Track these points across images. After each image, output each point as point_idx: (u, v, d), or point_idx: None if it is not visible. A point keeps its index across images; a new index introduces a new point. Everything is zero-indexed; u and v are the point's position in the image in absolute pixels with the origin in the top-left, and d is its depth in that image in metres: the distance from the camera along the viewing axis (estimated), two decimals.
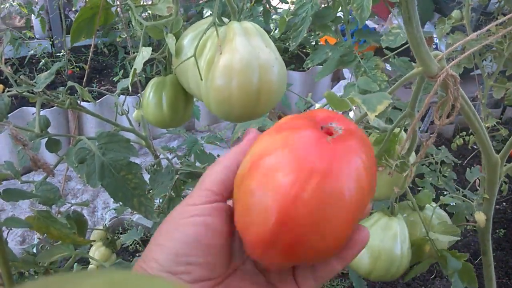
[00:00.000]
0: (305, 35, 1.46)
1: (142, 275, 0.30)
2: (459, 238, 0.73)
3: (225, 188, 0.33)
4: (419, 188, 0.89)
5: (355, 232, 0.33)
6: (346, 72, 2.70)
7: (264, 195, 0.29)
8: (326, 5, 0.83)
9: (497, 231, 1.97)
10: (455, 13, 1.17)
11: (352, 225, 0.30)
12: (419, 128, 2.40)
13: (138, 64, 0.59)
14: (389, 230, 0.63)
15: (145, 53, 0.59)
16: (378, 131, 0.60)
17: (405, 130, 0.63)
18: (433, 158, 0.84)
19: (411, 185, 0.65)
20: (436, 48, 2.15)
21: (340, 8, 0.82)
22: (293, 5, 0.84)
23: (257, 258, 0.31)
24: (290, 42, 0.82)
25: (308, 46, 2.71)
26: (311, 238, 0.29)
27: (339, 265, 0.33)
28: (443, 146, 0.91)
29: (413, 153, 0.59)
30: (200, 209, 0.32)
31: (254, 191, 0.29)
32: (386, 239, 0.63)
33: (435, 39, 2.17)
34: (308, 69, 2.74)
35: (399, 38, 0.76)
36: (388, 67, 0.92)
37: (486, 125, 1.24)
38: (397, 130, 0.59)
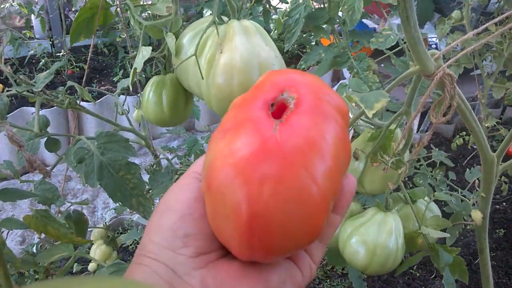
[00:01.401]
0: (305, 35, 1.46)
1: (129, 281, 0.30)
2: (456, 237, 0.74)
3: None
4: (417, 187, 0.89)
5: (343, 181, 0.33)
6: (346, 72, 2.71)
7: (225, 215, 0.29)
8: (320, 6, 0.83)
9: (497, 231, 1.97)
10: (455, 13, 1.17)
11: (324, 206, 0.29)
12: (419, 128, 2.40)
13: (138, 64, 0.59)
14: (384, 225, 0.64)
15: (145, 52, 0.59)
16: (373, 127, 0.61)
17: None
18: (425, 160, 0.84)
19: (410, 185, 0.65)
20: (437, 49, 2.15)
21: (338, 9, 0.82)
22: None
23: (245, 259, 0.31)
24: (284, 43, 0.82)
25: (308, 46, 2.71)
26: (284, 234, 0.28)
27: (337, 217, 0.34)
28: (443, 146, 0.91)
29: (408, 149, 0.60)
30: (187, 187, 0.33)
31: (216, 208, 0.29)
32: (382, 234, 0.64)
33: (435, 39, 2.17)
34: (307, 69, 2.75)
35: (390, 39, 0.76)
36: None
37: (486, 125, 1.24)
38: (392, 127, 0.59)
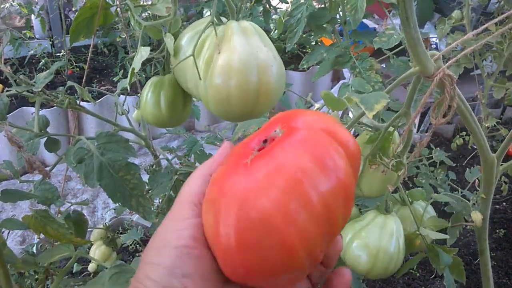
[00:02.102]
0: (304, 35, 1.46)
1: None
2: (456, 237, 0.74)
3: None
4: (418, 187, 0.89)
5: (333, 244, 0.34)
6: (346, 72, 2.70)
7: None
8: (322, 6, 0.83)
9: (497, 231, 1.97)
10: (455, 13, 1.17)
11: (295, 238, 0.28)
12: (419, 128, 2.40)
13: (136, 64, 0.59)
14: (386, 228, 0.64)
15: (143, 52, 0.59)
16: (370, 129, 0.60)
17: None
18: (427, 160, 0.84)
19: (410, 185, 0.66)
20: (437, 49, 2.15)
21: (339, 8, 0.82)
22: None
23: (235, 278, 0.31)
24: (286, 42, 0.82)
25: (308, 46, 2.71)
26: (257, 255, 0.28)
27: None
28: (443, 146, 0.92)
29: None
30: (186, 223, 0.32)
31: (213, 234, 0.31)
32: (384, 238, 0.63)
33: (435, 39, 2.17)
34: (308, 69, 2.75)
35: (393, 39, 0.76)
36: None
37: (486, 125, 1.24)
38: (391, 129, 0.59)
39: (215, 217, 0.30)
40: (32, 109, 2.06)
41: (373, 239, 0.63)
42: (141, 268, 0.32)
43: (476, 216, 0.62)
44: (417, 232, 0.66)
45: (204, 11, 2.17)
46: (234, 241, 0.28)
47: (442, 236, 0.63)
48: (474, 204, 0.72)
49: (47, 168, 0.59)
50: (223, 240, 0.29)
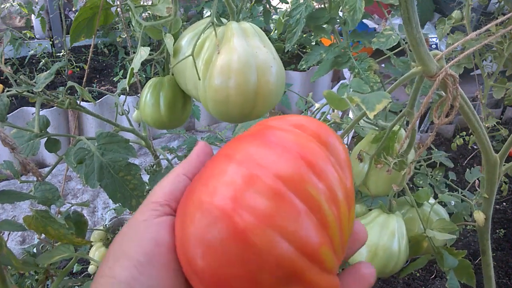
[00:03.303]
0: (305, 35, 1.46)
1: None
2: (457, 237, 0.74)
3: (173, 198, 0.30)
4: (418, 188, 0.89)
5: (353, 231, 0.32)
6: (346, 72, 2.71)
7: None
8: (321, 6, 0.83)
9: (497, 231, 1.97)
10: (456, 14, 1.17)
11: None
12: (419, 128, 2.40)
13: (136, 64, 0.59)
14: (387, 227, 0.64)
15: (143, 53, 0.59)
16: (377, 128, 0.60)
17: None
18: (424, 161, 0.84)
19: (411, 185, 0.66)
20: (437, 49, 2.15)
21: (339, 9, 0.82)
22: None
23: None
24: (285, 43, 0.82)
25: (308, 46, 2.71)
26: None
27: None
28: (443, 146, 0.91)
29: (412, 150, 0.60)
30: (146, 225, 0.29)
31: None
32: (384, 236, 0.63)
33: (435, 39, 2.17)
34: (308, 69, 2.75)
35: (391, 39, 0.76)
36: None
37: (486, 125, 1.24)
38: (396, 128, 0.59)
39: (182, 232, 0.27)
40: (32, 109, 2.05)
41: (373, 236, 0.64)
42: (95, 282, 0.28)
43: (479, 216, 0.62)
44: (424, 234, 0.66)
45: (204, 11, 2.17)
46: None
47: (449, 237, 0.63)
48: (475, 204, 0.72)
49: (47, 169, 0.59)
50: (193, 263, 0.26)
